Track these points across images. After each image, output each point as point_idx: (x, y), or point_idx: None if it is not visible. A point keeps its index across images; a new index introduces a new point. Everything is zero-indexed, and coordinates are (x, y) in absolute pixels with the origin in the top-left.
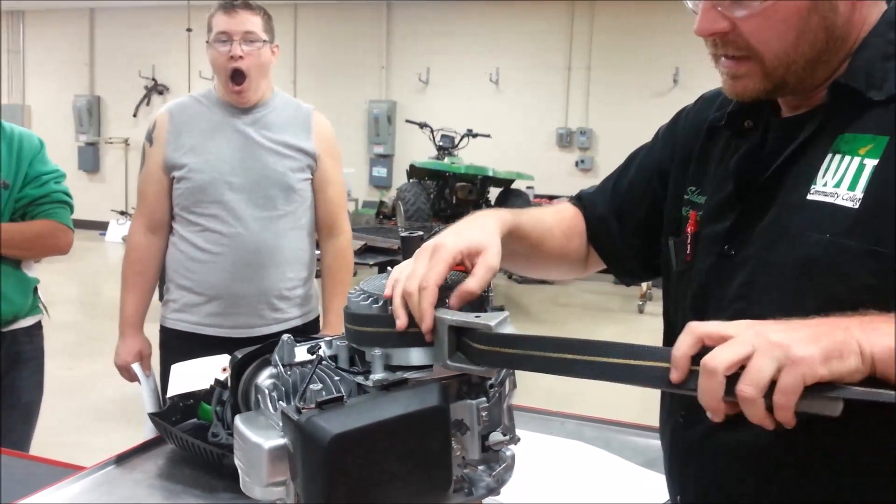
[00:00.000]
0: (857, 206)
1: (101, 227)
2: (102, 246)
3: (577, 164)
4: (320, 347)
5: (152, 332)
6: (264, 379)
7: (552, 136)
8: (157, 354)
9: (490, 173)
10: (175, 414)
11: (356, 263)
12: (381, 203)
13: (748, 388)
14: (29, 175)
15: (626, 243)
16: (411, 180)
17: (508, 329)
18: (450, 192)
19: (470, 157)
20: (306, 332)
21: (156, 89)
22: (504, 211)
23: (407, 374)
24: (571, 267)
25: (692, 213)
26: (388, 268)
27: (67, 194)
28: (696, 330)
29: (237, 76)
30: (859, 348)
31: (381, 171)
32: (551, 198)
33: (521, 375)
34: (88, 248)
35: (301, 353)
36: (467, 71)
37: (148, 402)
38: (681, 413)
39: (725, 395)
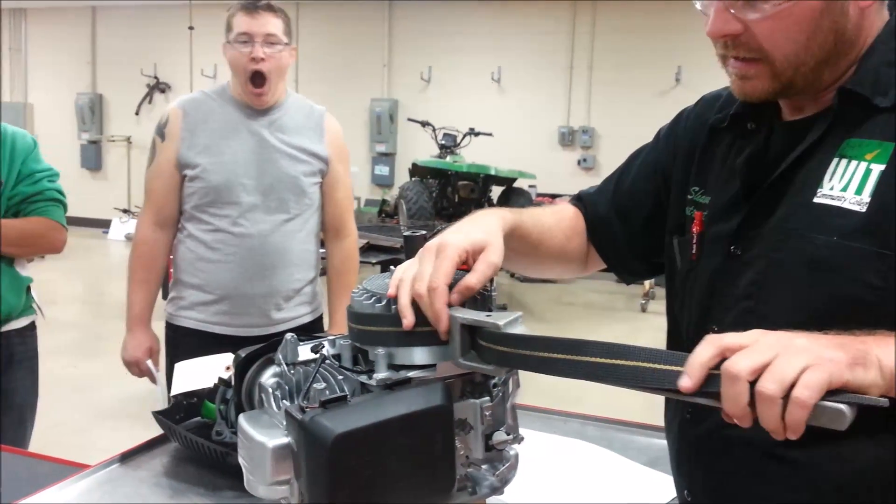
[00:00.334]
0: (863, 210)
1: (104, 225)
2: (105, 244)
3: (579, 162)
4: (324, 346)
5: (157, 330)
6: (268, 378)
7: (554, 135)
8: (162, 351)
9: (492, 172)
10: (179, 412)
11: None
12: (384, 202)
13: (770, 384)
14: (22, 173)
15: (627, 242)
16: (413, 179)
17: (519, 329)
18: (452, 191)
19: (472, 155)
20: (311, 330)
21: (158, 87)
22: (505, 210)
23: (410, 374)
24: (571, 266)
25: (697, 213)
26: (392, 266)
27: (61, 192)
28: (717, 341)
29: (257, 78)
30: (878, 362)
31: (383, 170)
32: (553, 196)
33: (523, 375)
34: (91, 247)
35: (304, 352)
36: (469, 69)
37: (162, 398)
38: (688, 409)
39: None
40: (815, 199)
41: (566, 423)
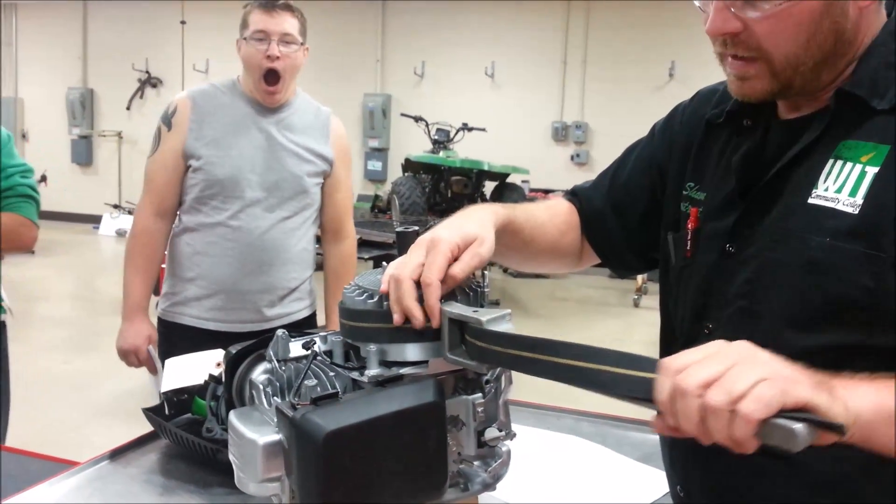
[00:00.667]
0: (857, 212)
1: (95, 220)
2: (96, 239)
3: (572, 157)
4: (315, 343)
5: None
6: (259, 374)
7: (548, 130)
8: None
9: (485, 167)
10: (169, 409)
11: None
12: (376, 197)
13: (718, 395)
14: None
15: (623, 237)
16: (406, 174)
17: (504, 327)
18: (445, 186)
19: (465, 150)
20: (306, 325)
21: (149, 82)
22: (498, 205)
23: (402, 370)
24: (565, 261)
25: (693, 209)
26: (384, 262)
27: (34, 188)
28: (669, 371)
29: (271, 76)
30: (844, 402)
31: (376, 165)
32: (546, 192)
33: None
34: (82, 242)
35: (296, 348)
36: (463, 65)
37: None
38: None
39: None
40: (810, 200)
41: (559, 419)
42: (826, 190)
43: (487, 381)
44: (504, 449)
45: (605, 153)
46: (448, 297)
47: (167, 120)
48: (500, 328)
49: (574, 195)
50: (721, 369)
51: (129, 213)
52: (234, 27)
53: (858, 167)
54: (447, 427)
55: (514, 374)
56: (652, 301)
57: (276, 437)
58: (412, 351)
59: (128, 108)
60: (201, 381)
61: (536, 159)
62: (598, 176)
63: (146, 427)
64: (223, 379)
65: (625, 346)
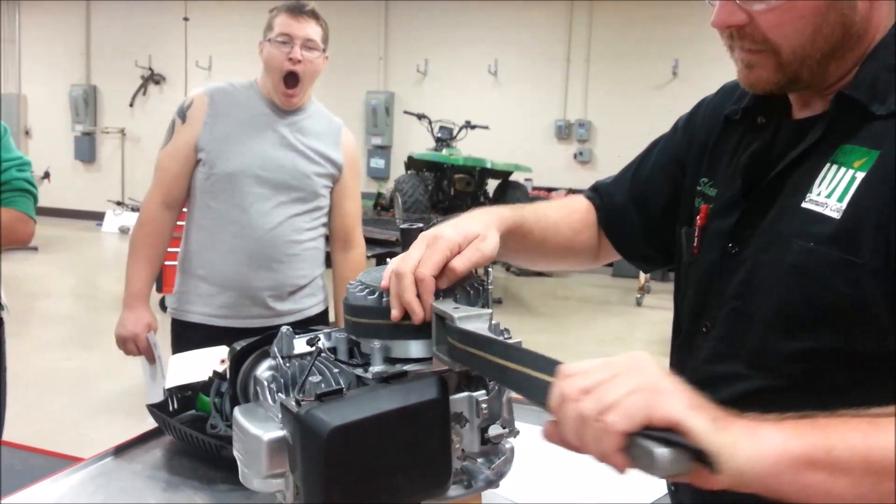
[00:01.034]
0: (839, 217)
1: (98, 217)
2: (99, 236)
3: (575, 156)
4: (319, 340)
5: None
6: (263, 371)
7: (551, 128)
8: (168, 346)
9: (488, 165)
10: (173, 405)
11: None
12: (379, 194)
13: (588, 403)
14: None
15: (643, 230)
16: (409, 172)
17: (476, 325)
18: (448, 184)
19: (468, 148)
20: (318, 322)
21: (152, 79)
22: (505, 208)
23: (406, 367)
24: (580, 259)
25: (704, 205)
26: (387, 259)
27: (31, 182)
28: (563, 372)
29: (291, 79)
30: (734, 439)
31: (378, 163)
32: (549, 190)
33: None
34: (84, 239)
35: (300, 344)
36: (466, 62)
37: (152, 383)
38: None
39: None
40: (803, 204)
41: None
42: (818, 194)
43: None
44: (507, 446)
45: (608, 151)
46: (448, 293)
47: (182, 113)
48: (468, 326)
49: (595, 190)
50: (603, 377)
51: (133, 209)
52: (238, 25)
53: (850, 172)
54: (451, 424)
55: None
56: (654, 300)
57: (281, 433)
58: (416, 347)
59: (131, 105)
60: (205, 378)
61: (539, 157)
62: (621, 171)
63: (146, 424)
64: (228, 375)
65: (626, 345)
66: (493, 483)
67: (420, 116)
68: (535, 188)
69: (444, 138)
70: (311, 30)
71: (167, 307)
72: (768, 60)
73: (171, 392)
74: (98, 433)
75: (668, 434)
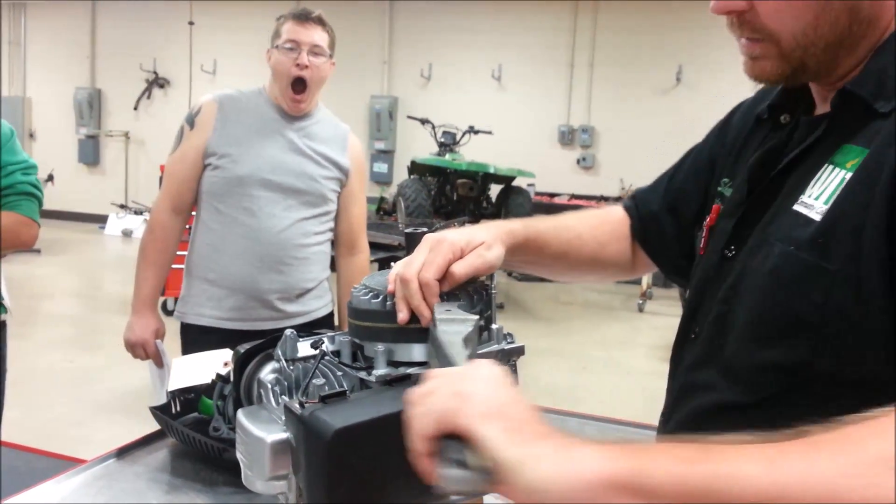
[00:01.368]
0: (819, 220)
1: (101, 220)
2: (102, 239)
3: (578, 161)
4: (323, 343)
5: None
6: (267, 373)
7: (554, 134)
8: (177, 351)
9: (491, 170)
10: (176, 408)
11: None
12: (382, 199)
13: (415, 407)
14: None
15: (676, 238)
16: (412, 176)
17: (454, 329)
18: (451, 189)
19: (471, 153)
20: (325, 324)
21: (157, 82)
22: (517, 222)
23: (410, 370)
24: (610, 272)
25: (716, 206)
26: (391, 263)
27: (36, 186)
28: (426, 377)
29: (298, 84)
30: (543, 454)
31: (381, 167)
32: (552, 195)
33: (522, 373)
34: (87, 242)
35: (304, 348)
36: (470, 67)
37: (160, 387)
38: (665, 408)
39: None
40: (794, 206)
41: (564, 423)
42: (810, 196)
43: None
44: None
45: (612, 157)
46: (451, 297)
47: (191, 120)
48: (448, 328)
49: (632, 199)
50: (438, 385)
51: (136, 213)
52: (242, 29)
53: (842, 173)
54: None
55: (521, 377)
56: (656, 306)
57: (284, 435)
58: (419, 350)
59: (135, 109)
60: (208, 381)
61: (542, 162)
62: (659, 177)
63: (147, 425)
64: (232, 378)
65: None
66: None
67: (423, 121)
68: (537, 193)
69: (448, 143)
70: (318, 36)
71: (173, 311)
72: (770, 50)
73: (174, 394)
74: (99, 434)
75: (455, 443)
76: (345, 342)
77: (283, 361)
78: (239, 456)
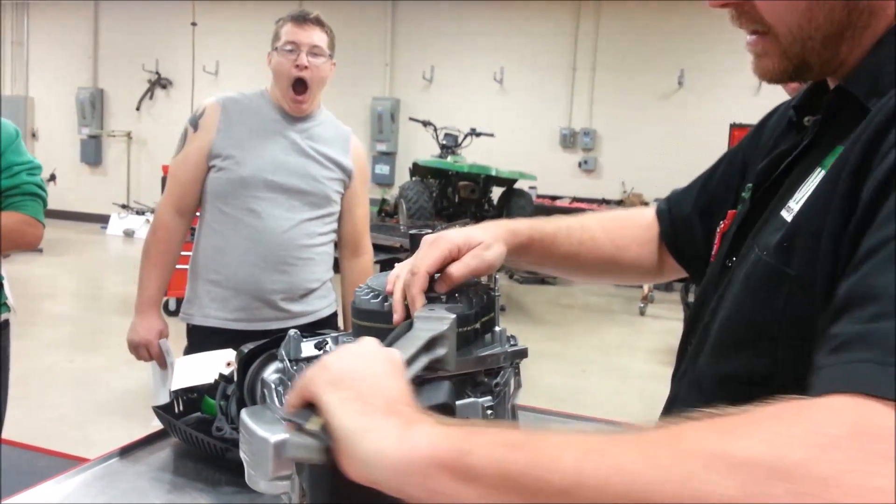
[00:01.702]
0: (789, 223)
1: (103, 220)
2: (103, 239)
3: (580, 164)
4: (327, 343)
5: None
6: (271, 373)
7: (556, 137)
8: (181, 352)
9: (493, 172)
10: (178, 407)
11: None
12: (384, 201)
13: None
14: (0, 165)
15: (706, 244)
16: (414, 178)
17: (429, 327)
18: (452, 191)
19: (473, 156)
20: (329, 324)
21: (159, 83)
22: (522, 222)
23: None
24: (628, 275)
25: (731, 211)
26: (395, 264)
27: (40, 187)
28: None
29: (299, 85)
30: (387, 427)
31: (383, 169)
32: (553, 198)
33: (524, 375)
34: (89, 242)
35: (308, 348)
36: (472, 70)
37: (162, 388)
38: (661, 416)
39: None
40: (781, 211)
41: (565, 424)
42: (795, 199)
43: (497, 385)
44: None
45: (613, 160)
46: (451, 299)
47: (194, 122)
48: (423, 325)
49: (667, 201)
50: (326, 359)
51: (137, 213)
52: (245, 30)
53: (822, 174)
54: None
55: (523, 378)
56: (658, 309)
57: (287, 435)
58: None
59: (137, 109)
60: (211, 381)
61: (544, 165)
62: (695, 179)
63: (147, 425)
64: (235, 378)
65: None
66: None
67: (425, 123)
68: (539, 196)
69: (450, 145)
70: (317, 36)
71: (175, 311)
72: (772, 46)
73: (177, 394)
74: (100, 434)
75: (306, 411)
76: (348, 342)
77: (287, 361)
78: (242, 456)
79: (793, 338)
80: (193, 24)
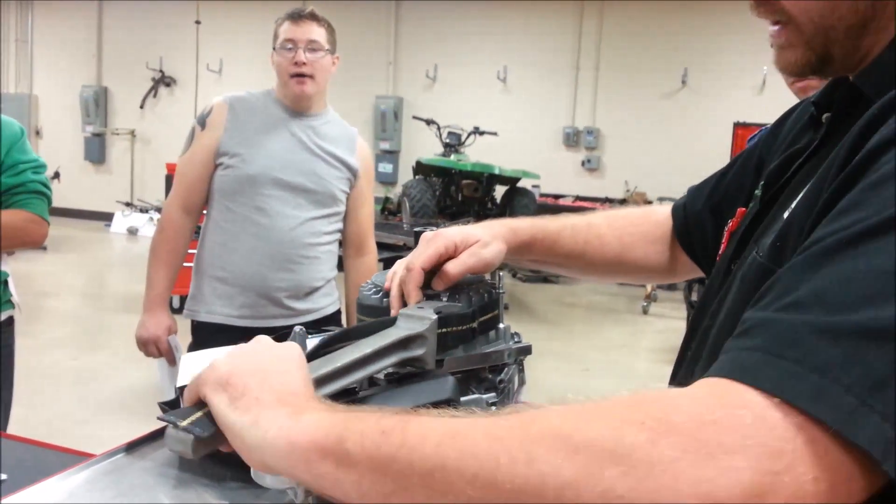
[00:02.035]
0: (782, 223)
1: (107, 218)
2: (107, 237)
3: (583, 163)
4: None
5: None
6: None
7: (559, 135)
8: (186, 348)
9: (496, 171)
10: (184, 403)
11: None
12: (387, 199)
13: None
14: (5, 163)
15: (716, 242)
16: (417, 177)
17: (408, 324)
18: (455, 190)
19: (476, 154)
20: (333, 321)
21: (163, 81)
22: (524, 220)
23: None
24: (637, 274)
25: (741, 209)
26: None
27: (45, 185)
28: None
29: (300, 76)
30: (270, 421)
31: (386, 167)
32: (557, 197)
33: (527, 372)
34: (93, 239)
35: (313, 344)
36: (475, 68)
37: (170, 384)
38: None
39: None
40: (785, 214)
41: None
42: (796, 199)
43: (501, 381)
44: None
45: (616, 159)
46: (451, 297)
47: (202, 121)
48: (406, 324)
49: (685, 196)
50: (219, 360)
51: (141, 211)
52: (249, 28)
53: None
54: None
55: (527, 375)
56: (661, 309)
57: None
58: None
59: (141, 107)
60: None
61: (547, 164)
62: (711, 175)
63: (150, 421)
64: None
65: (632, 353)
66: None
67: (429, 122)
68: (542, 195)
69: (453, 144)
70: (314, 32)
71: (178, 308)
72: (795, 38)
73: (182, 390)
74: (104, 431)
75: (190, 409)
76: None
77: None
78: None
79: None
80: (197, 22)
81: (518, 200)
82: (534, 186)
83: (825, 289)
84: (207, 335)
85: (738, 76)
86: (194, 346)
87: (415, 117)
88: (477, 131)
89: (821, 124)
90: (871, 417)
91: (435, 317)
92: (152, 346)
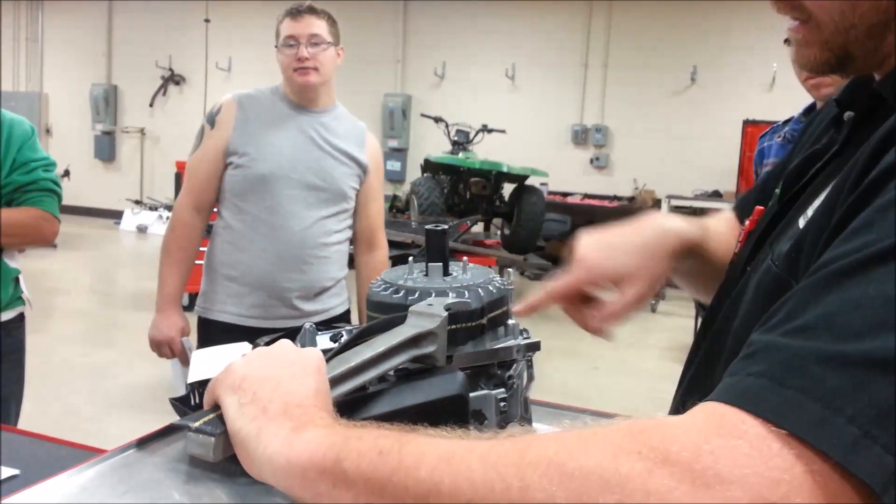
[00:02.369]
0: (800, 231)
1: (116, 215)
2: (117, 235)
3: (591, 161)
4: (342, 336)
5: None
6: None
7: (567, 133)
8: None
9: (504, 169)
10: (195, 400)
11: None
12: (395, 197)
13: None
14: (17, 161)
15: None
16: (425, 174)
17: (417, 322)
18: (464, 187)
19: (484, 152)
20: (341, 321)
21: (172, 79)
22: (682, 222)
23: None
24: None
25: (758, 208)
26: (409, 259)
27: (56, 183)
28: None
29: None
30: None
31: (395, 165)
32: (565, 195)
33: (536, 370)
34: (103, 237)
35: (323, 341)
36: (483, 66)
37: (182, 383)
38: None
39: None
40: (799, 218)
41: (576, 419)
42: (813, 207)
43: (510, 377)
44: None
45: (625, 157)
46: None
47: (211, 119)
48: (416, 321)
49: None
50: (236, 363)
51: (151, 209)
52: (258, 26)
53: None
54: (470, 421)
55: (535, 371)
56: (669, 306)
57: None
58: None
59: (151, 105)
60: None
61: (556, 162)
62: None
63: (160, 418)
64: None
65: (639, 352)
66: None
67: (437, 119)
68: (550, 193)
69: (461, 141)
70: (314, 26)
71: (188, 305)
72: (814, 35)
73: (193, 387)
74: (114, 427)
75: (207, 411)
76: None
77: None
78: None
79: None
80: (207, 20)
81: (526, 198)
82: (542, 184)
83: (833, 314)
84: (215, 334)
85: (747, 74)
86: (201, 344)
87: (423, 115)
88: (485, 129)
89: (842, 122)
90: (872, 449)
91: (445, 314)
92: (165, 348)
